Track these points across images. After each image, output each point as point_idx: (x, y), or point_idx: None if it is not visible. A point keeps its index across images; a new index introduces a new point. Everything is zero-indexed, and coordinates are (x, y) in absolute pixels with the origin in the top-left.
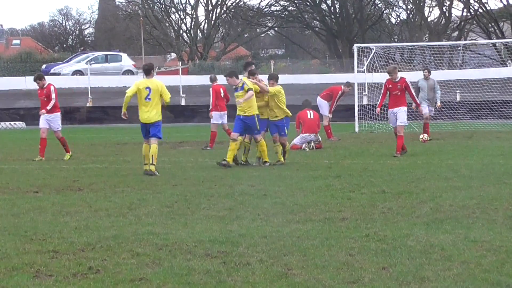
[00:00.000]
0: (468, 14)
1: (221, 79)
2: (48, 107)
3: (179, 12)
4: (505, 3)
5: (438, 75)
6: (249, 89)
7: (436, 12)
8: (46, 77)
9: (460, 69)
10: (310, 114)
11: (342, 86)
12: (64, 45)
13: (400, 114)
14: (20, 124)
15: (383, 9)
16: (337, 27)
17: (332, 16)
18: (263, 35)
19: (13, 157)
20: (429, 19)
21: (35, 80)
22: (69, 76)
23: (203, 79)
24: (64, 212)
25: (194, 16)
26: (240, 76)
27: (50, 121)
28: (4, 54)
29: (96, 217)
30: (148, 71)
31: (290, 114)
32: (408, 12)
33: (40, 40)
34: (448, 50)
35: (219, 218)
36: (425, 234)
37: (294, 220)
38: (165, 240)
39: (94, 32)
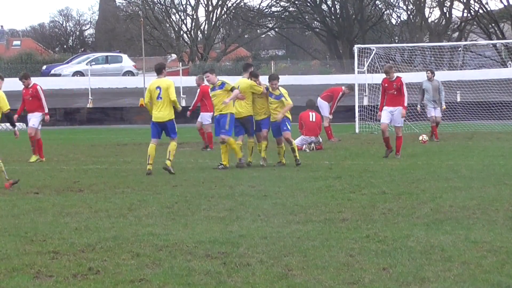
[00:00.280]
0: (469, 15)
1: None
2: (46, 110)
3: (179, 13)
4: (506, 3)
5: (438, 75)
6: (233, 88)
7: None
8: (46, 77)
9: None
10: (312, 116)
11: (343, 88)
12: (65, 46)
13: (397, 115)
14: (20, 125)
15: (384, 10)
16: (338, 28)
17: (333, 17)
18: (263, 36)
19: (13, 158)
20: (429, 20)
21: (20, 79)
22: (70, 77)
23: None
24: (65, 213)
25: (195, 17)
26: (239, 77)
27: (32, 116)
28: (5, 55)
29: (96, 218)
30: (159, 71)
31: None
32: (409, 13)
33: (41, 41)
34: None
35: (219, 219)
36: (425, 235)
37: (294, 221)
38: (165, 241)
39: (94, 33)
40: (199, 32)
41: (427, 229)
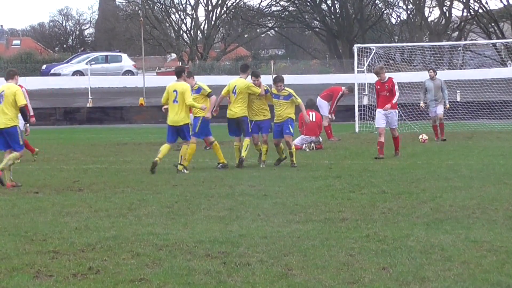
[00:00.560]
0: (468, 14)
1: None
2: (31, 112)
3: (179, 13)
4: (505, 3)
5: (438, 75)
6: (210, 93)
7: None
8: (46, 77)
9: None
10: (311, 116)
11: (343, 88)
12: (64, 46)
13: (391, 117)
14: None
15: (383, 9)
16: (337, 27)
17: (332, 17)
18: (263, 35)
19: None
20: (429, 19)
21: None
22: (69, 76)
23: (204, 80)
24: (64, 212)
25: (194, 16)
26: (236, 77)
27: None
28: (4, 54)
29: (96, 218)
30: (178, 74)
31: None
32: (408, 12)
33: (40, 41)
34: (448, 50)
35: (219, 219)
36: (425, 235)
37: (294, 221)
38: (165, 240)
39: (94, 32)
40: (198, 32)
41: (427, 228)
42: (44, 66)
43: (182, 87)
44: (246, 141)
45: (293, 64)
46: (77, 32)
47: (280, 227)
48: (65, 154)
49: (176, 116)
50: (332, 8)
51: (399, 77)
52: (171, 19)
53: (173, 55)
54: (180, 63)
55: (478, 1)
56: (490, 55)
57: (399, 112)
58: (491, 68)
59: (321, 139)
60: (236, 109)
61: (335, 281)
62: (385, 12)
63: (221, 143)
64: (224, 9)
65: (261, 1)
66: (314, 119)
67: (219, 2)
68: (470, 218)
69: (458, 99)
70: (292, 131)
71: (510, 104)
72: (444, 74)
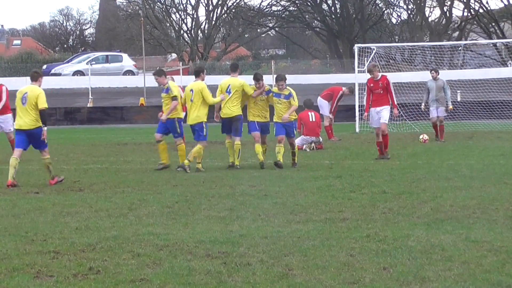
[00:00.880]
0: (469, 14)
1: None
2: None
3: (179, 12)
4: (506, 3)
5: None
6: (174, 97)
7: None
8: (46, 77)
9: (461, 69)
10: (312, 116)
11: (344, 88)
12: (65, 46)
13: (384, 112)
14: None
15: (384, 9)
16: (338, 27)
17: (333, 16)
18: (263, 35)
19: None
20: (429, 19)
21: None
22: (70, 76)
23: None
24: (65, 212)
25: (195, 16)
26: (227, 77)
27: (1, 122)
28: (5, 54)
29: (96, 218)
30: (196, 73)
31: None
32: (409, 12)
33: (41, 41)
34: (449, 50)
35: (219, 219)
36: (425, 235)
37: (294, 221)
38: (165, 240)
39: (94, 32)
40: (199, 32)
41: (427, 228)
42: (44, 66)
43: (199, 86)
44: (237, 145)
45: (294, 64)
46: (78, 32)
47: (281, 227)
48: (66, 154)
49: (191, 115)
50: (333, 8)
51: (399, 77)
52: (171, 19)
53: (174, 55)
54: (181, 63)
55: (479, 1)
56: (490, 55)
57: (398, 111)
58: (492, 68)
59: (321, 139)
60: (233, 108)
61: (336, 281)
62: (385, 12)
63: (221, 143)
64: (225, 9)
65: (262, 1)
66: (314, 119)
67: (220, 2)
68: (470, 218)
69: (459, 99)
70: (295, 133)
71: (511, 104)
72: (444, 74)
